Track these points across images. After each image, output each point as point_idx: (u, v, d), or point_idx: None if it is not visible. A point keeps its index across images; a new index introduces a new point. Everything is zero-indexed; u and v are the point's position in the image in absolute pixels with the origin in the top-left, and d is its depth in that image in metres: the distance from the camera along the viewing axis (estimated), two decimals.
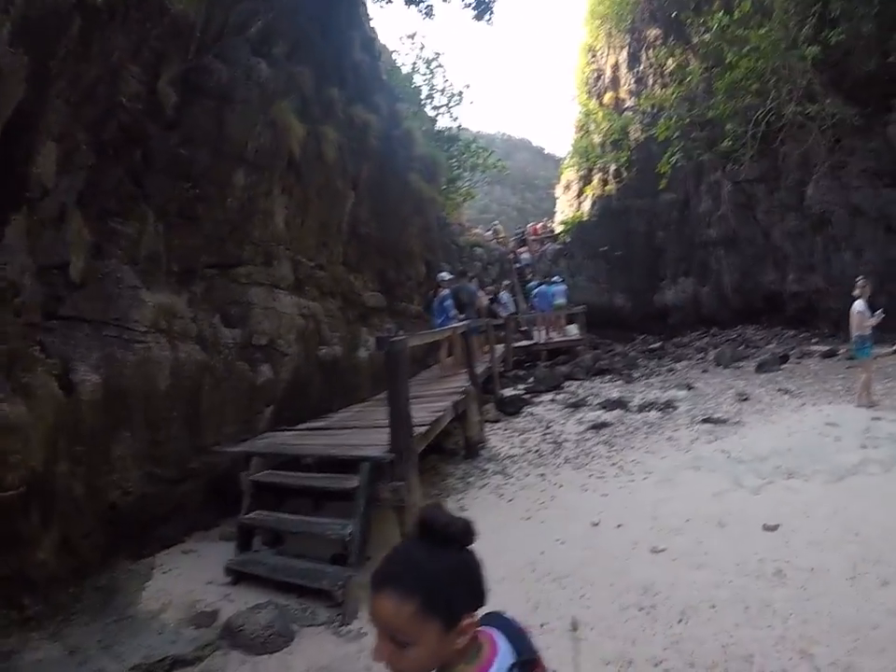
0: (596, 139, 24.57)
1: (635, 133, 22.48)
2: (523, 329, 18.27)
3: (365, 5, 11.90)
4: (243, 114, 6.53)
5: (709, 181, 19.72)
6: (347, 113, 9.25)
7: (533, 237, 29.91)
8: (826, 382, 10.78)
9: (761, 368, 12.90)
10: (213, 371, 5.82)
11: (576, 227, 25.69)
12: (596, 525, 5.59)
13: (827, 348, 14.05)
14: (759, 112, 16.39)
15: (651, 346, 18.56)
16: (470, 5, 11.92)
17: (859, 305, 8.38)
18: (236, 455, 5.46)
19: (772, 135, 16.75)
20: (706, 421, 8.87)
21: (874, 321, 8.32)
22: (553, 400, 12.13)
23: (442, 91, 17.99)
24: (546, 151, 64.21)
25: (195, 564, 5.22)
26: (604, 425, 9.68)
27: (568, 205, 28.97)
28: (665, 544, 4.91)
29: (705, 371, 14.22)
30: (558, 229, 28.79)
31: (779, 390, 10.47)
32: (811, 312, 17.07)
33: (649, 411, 10.15)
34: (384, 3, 12.98)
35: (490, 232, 30.86)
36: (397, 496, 4.52)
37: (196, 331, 5.79)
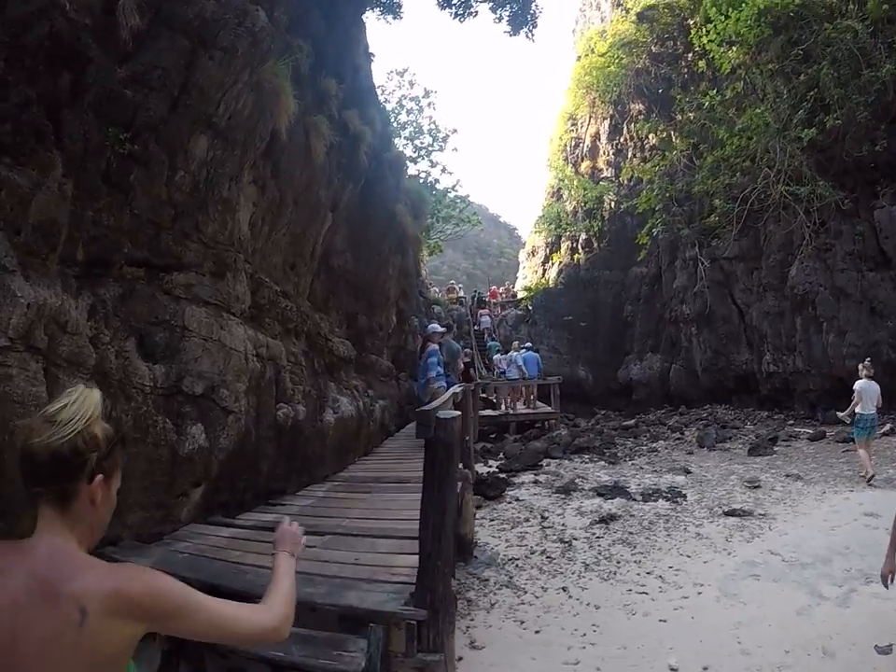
0: (569, 206, 23.78)
1: (609, 203, 21.76)
2: (490, 398, 16.21)
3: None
4: (222, 64, 4.60)
5: (685, 257, 18.92)
6: (342, 115, 7.42)
7: (493, 300, 28.53)
8: (831, 466, 10.00)
9: (754, 451, 11.82)
10: (115, 427, 3.58)
11: (540, 294, 24.47)
12: (677, 671, 4.14)
13: (812, 430, 13.26)
14: (746, 190, 15.86)
15: (626, 424, 16.99)
16: (502, 18, 10.47)
17: (860, 385, 8.59)
18: None
19: (754, 214, 16.23)
20: (729, 514, 7.68)
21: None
22: (535, 482, 10.55)
23: (429, 131, 16.48)
24: (501, 219, 64.75)
25: None
26: (612, 517, 8.11)
27: (533, 271, 27.94)
28: None
29: (690, 454, 13.01)
30: (521, 294, 27.59)
31: (787, 476, 9.53)
32: (787, 393, 16.20)
33: (655, 500, 8.75)
34: (390, 18, 11.59)
35: (446, 291, 29.38)
36: None
37: (95, 360, 3.61)
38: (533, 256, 28.63)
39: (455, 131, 18.03)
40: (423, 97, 14.59)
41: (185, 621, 1.12)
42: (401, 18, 11.55)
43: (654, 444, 14.43)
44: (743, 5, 14.35)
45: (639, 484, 9.75)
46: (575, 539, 7.29)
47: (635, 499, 8.84)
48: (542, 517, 8.23)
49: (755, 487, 8.92)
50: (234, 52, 4.68)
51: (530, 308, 24.89)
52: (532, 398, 16.02)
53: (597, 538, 7.34)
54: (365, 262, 9.99)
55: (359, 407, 7.81)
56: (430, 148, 15.76)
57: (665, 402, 19.91)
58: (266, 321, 5.82)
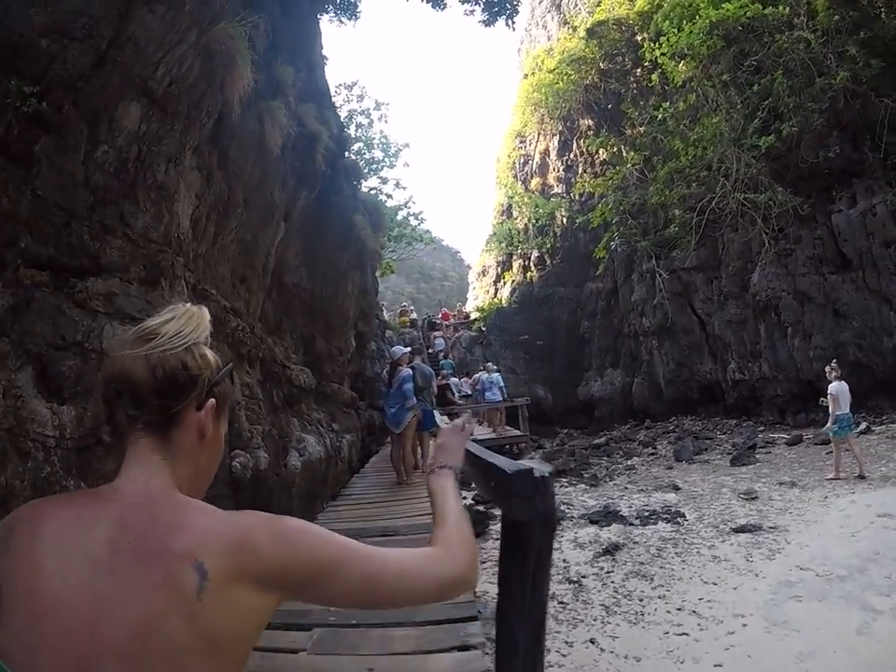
0: (520, 224, 23.33)
1: (561, 219, 21.40)
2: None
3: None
4: (165, 20, 3.53)
5: (642, 269, 18.62)
6: (297, 110, 6.39)
7: (445, 323, 27.59)
8: (821, 469, 9.63)
9: (737, 461, 11.32)
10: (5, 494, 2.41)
11: (494, 314, 23.76)
12: None
13: (788, 435, 13.04)
14: (703, 200, 15.72)
15: (596, 442, 16.28)
16: (476, 8, 9.48)
17: (834, 388, 8.58)
18: None
19: (711, 224, 16.11)
20: (739, 531, 7.13)
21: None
22: None
23: (379, 145, 15.40)
24: (444, 243, 64.48)
25: None
26: (615, 547, 7.24)
27: (484, 291, 27.28)
28: None
29: (670, 469, 12.42)
30: (474, 315, 26.85)
31: (780, 484, 9.16)
32: (754, 400, 15.97)
33: (654, 522, 8.01)
34: (346, 19, 10.66)
35: (398, 315, 28.36)
36: None
37: None
38: (484, 276, 28.03)
39: (408, 145, 17.05)
40: (374, 109, 13.65)
41: (335, 581, 0.80)
42: (358, 18, 10.71)
43: (630, 461, 13.82)
44: (696, 17, 14.35)
45: (631, 506, 9.00)
46: (583, 577, 6.40)
47: (632, 524, 8.05)
48: None
49: (752, 499, 8.44)
50: (180, 7, 3.64)
51: (484, 329, 24.14)
52: (501, 419, 15.09)
53: (607, 573, 6.50)
54: (321, 280, 8.89)
55: (327, 445, 6.66)
56: (381, 164, 14.74)
57: (628, 417, 19.41)
58: (213, 345, 4.69)
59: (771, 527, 7.04)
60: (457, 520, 1.00)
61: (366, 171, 14.87)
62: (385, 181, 14.71)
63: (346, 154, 9.96)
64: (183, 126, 3.85)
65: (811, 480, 9.11)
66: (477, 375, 16.31)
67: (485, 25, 10.15)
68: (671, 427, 17.40)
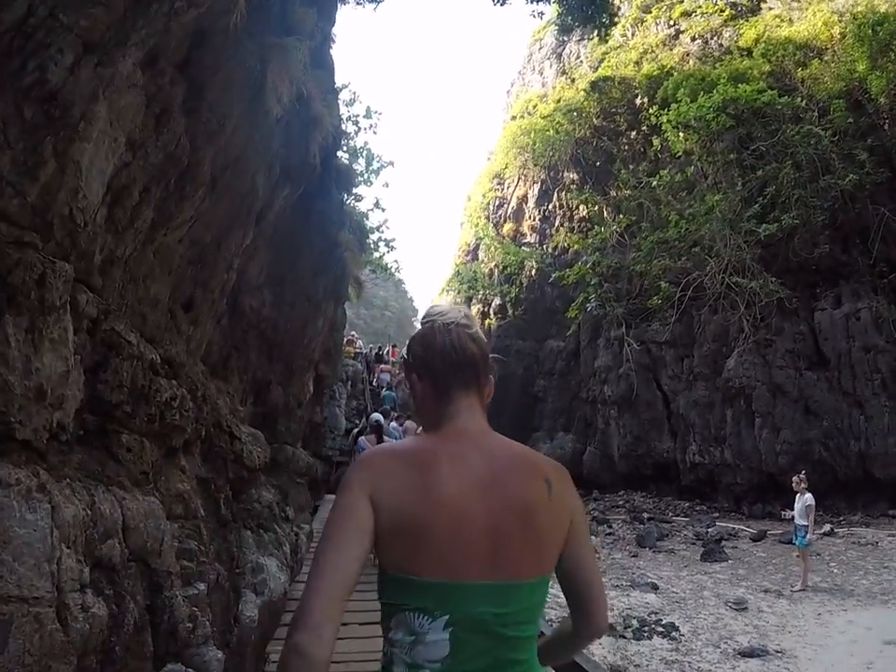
0: (485, 268, 21.72)
1: (531, 269, 19.92)
2: None
3: None
4: None
5: (609, 336, 17.27)
6: (303, 76, 4.28)
7: (393, 359, 25.21)
8: (799, 576, 8.70)
9: (708, 556, 10.33)
10: None
11: None
12: None
13: (749, 529, 12.27)
14: (689, 276, 14.64)
15: None
16: None
17: (810, 499, 8.29)
18: None
19: (688, 301, 15.04)
20: (745, 655, 6.23)
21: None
22: None
23: (363, 153, 13.15)
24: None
25: None
26: None
27: None
28: None
29: (635, 556, 11.22)
30: None
31: (766, 592, 8.35)
32: (710, 485, 14.77)
33: (650, 637, 6.90)
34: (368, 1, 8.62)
35: (346, 344, 25.79)
36: None
37: None
38: None
39: (392, 163, 14.88)
40: (364, 116, 11.62)
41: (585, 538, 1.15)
42: (381, 1, 8.76)
43: None
44: (714, 92, 13.50)
45: (612, 609, 7.57)
46: None
47: (624, 636, 6.86)
48: None
49: (743, 609, 7.63)
50: None
51: None
52: None
53: None
54: (289, 308, 6.64)
55: (292, 568, 4.40)
56: (361, 178, 12.60)
57: (577, 486, 17.74)
58: (120, 444, 2.34)
59: (777, 651, 6.24)
60: None
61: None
62: (359, 198, 12.58)
63: (339, 155, 7.85)
64: (101, 69, 1.71)
65: (798, 593, 8.24)
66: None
67: (494, 4, 8.65)
68: (621, 502, 16.00)
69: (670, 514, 14.49)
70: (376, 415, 7.72)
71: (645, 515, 14.21)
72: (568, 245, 18.29)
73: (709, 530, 12.37)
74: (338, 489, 1.01)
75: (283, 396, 6.30)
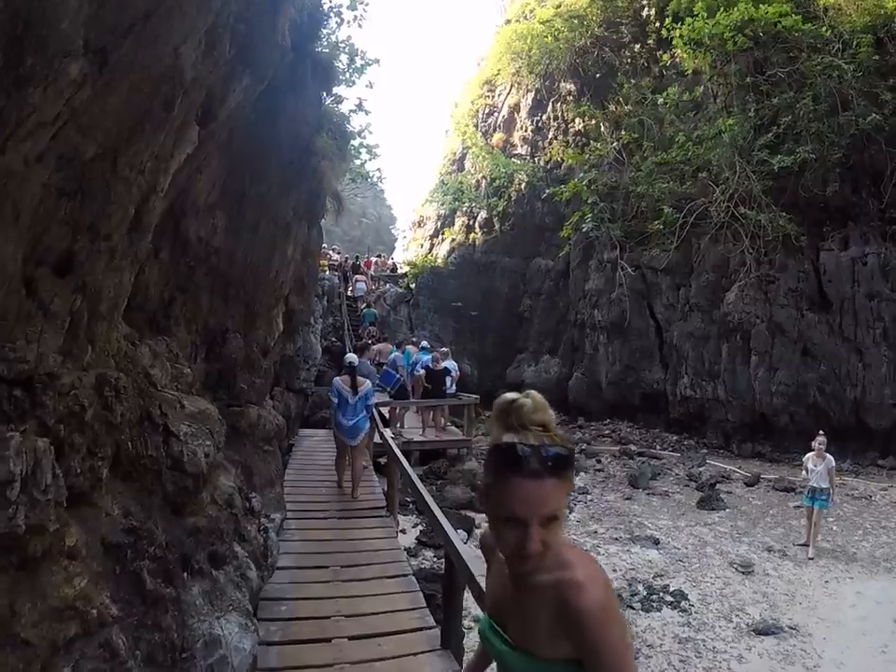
0: (472, 179, 19.85)
1: (520, 183, 18.19)
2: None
3: None
4: None
5: (602, 258, 16.04)
6: None
7: (367, 270, 23.53)
8: (800, 532, 8.42)
9: (705, 504, 9.93)
10: None
11: (427, 272, 20.43)
12: None
13: (742, 472, 11.79)
14: (692, 202, 13.29)
15: None
16: None
17: (832, 461, 7.92)
18: None
19: (690, 229, 13.79)
20: (759, 632, 5.85)
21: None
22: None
23: (345, 49, 10.95)
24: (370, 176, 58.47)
25: None
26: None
27: (418, 244, 23.72)
28: None
29: (629, 499, 10.67)
30: (403, 268, 23.26)
31: (768, 551, 7.97)
32: (700, 419, 14.30)
33: (659, 608, 6.37)
34: None
35: (320, 256, 23.94)
36: None
37: None
38: (420, 227, 24.39)
39: (378, 61, 12.55)
40: (348, 7, 9.39)
41: None
42: None
43: (577, 478, 11.55)
44: (734, 9, 11.62)
45: (614, 568, 7.33)
46: None
47: (632, 607, 6.33)
48: None
49: (747, 573, 7.27)
50: None
51: (413, 287, 20.79)
52: (444, 419, 12.03)
53: None
54: (250, 233, 5.23)
55: (261, 587, 3.35)
56: (343, 77, 10.50)
57: (560, 411, 17.12)
58: None
59: (791, 627, 5.96)
60: None
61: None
62: (339, 100, 10.55)
63: (318, 43, 6.05)
64: None
65: (798, 549, 8.00)
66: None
67: None
68: (607, 431, 15.59)
69: (657, 447, 14.07)
70: (350, 356, 7.33)
71: (633, 448, 13.73)
72: (562, 159, 16.59)
73: (701, 469, 11.99)
74: (613, 618, 1.08)
75: (243, 345, 5.04)
